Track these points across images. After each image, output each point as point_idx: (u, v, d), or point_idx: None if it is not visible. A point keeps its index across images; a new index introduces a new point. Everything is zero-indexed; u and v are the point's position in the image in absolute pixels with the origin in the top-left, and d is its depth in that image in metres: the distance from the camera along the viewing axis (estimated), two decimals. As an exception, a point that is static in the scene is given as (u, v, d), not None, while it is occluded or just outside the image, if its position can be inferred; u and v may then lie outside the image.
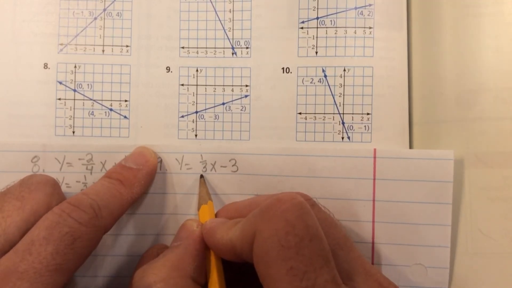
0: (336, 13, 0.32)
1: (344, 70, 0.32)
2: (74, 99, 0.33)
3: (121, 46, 0.33)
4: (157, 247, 0.30)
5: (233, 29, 0.33)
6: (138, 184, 0.29)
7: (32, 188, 0.26)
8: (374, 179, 0.30)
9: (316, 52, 0.33)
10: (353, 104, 0.32)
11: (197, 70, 0.33)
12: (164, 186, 0.31)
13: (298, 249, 0.21)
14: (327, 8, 0.33)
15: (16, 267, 0.23)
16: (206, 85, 0.33)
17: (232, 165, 0.31)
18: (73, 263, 0.24)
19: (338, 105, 0.32)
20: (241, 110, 0.33)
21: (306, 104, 0.33)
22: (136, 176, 0.29)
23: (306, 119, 0.32)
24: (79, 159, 0.31)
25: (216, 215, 0.29)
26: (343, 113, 0.32)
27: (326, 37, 0.33)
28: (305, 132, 0.32)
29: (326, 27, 0.33)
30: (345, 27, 0.32)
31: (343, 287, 0.21)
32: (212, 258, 0.26)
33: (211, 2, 0.33)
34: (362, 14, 0.32)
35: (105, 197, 0.27)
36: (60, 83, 0.33)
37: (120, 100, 0.33)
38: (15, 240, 0.24)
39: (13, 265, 0.23)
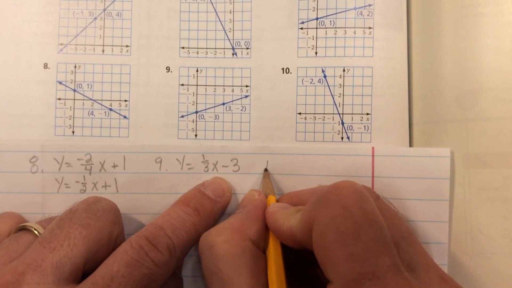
0: (336, 13, 0.33)
1: (344, 70, 0.32)
2: (74, 99, 0.33)
3: (121, 46, 0.33)
4: None
5: (233, 30, 0.33)
6: (213, 218, 0.29)
7: (98, 215, 0.26)
8: (373, 176, 0.30)
9: (316, 53, 0.33)
10: (352, 104, 0.32)
11: (197, 70, 0.33)
12: (164, 186, 0.31)
13: (357, 235, 0.20)
14: (326, 9, 0.33)
15: None
16: (206, 85, 0.33)
17: (234, 165, 0.31)
18: None
19: (337, 105, 0.32)
20: (241, 110, 0.33)
21: (305, 104, 0.33)
22: (213, 209, 0.29)
23: (305, 119, 0.32)
24: (78, 159, 0.31)
25: (278, 201, 0.29)
26: (342, 113, 0.32)
27: (326, 37, 0.33)
28: (305, 132, 0.32)
29: (326, 28, 0.33)
30: (345, 28, 0.32)
31: (405, 274, 0.21)
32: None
33: (211, 2, 0.33)
34: (361, 14, 0.32)
35: (181, 233, 0.27)
36: (60, 83, 0.33)
37: (120, 100, 0.33)
38: (79, 269, 0.24)
39: None
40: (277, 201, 0.29)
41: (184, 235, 0.27)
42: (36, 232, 0.26)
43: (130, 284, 0.23)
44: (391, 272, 0.20)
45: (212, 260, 0.25)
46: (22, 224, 0.27)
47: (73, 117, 0.33)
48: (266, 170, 0.31)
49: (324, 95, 0.32)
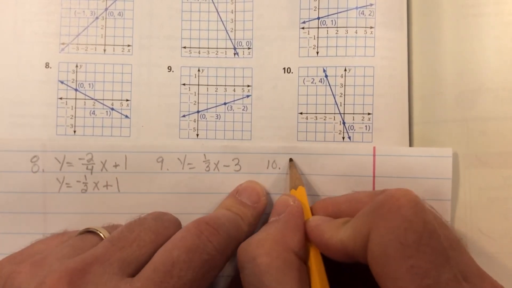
0: (337, 13, 0.33)
1: (345, 70, 0.32)
2: (76, 99, 0.33)
3: (123, 45, 0.33)
4: None
5: (235, 30, 0.33)
6: (254, 222, 0.29)
7: (166, 225, 0.26)
8: (374, 176, 0.31)
9: (317, 52, 0.33)
10: (354, 104, 0.32)
11: (198, 70, 0.33)
12: (166, 186, 0.31)
13: (418, 246, 0.20)
14: (328, 8, 0.33)
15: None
16: (207, 85, 0.33)
17: (235, 164, 0.31)
18: None
19: (339, 105, 0.32)
20: (242, 110, 0.33)
21: (307, 104, 0.33)
22: (253, 214, 0.29)
23: (307, 119, 0.32)
24: (79, 158, 0.31)
25: (311, 209, 0.28)
26: (344, 113, 0.32)
27: (327, 37, 0.33)
28: (306, 132, 0.32)
29: (327, 27, 0.33)
30: (346, 27, 0.33)
31: (464, 285, 0.20)
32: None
33: (213, 2, 0.33)
34: (363, 14, 0.32)
35: (231, 226, 0.26)
36: (62, 82, 0.33)
37: (122, 100, 0.33)
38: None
39: (154, 285, 0.22)
40: (311, 207, 0.28)
41: (233, 229, 0.26)
42: (101, 234, 0.27)
43: (191, 269, 0.23)
44: (452, 284, 0.19)
45: (255, 273, 0.24)
46: (87, 227, 0.27)
47: (75, 117, 0.33)
48: (291, 160, 0.31)
49: (326, 94, 0.33)
